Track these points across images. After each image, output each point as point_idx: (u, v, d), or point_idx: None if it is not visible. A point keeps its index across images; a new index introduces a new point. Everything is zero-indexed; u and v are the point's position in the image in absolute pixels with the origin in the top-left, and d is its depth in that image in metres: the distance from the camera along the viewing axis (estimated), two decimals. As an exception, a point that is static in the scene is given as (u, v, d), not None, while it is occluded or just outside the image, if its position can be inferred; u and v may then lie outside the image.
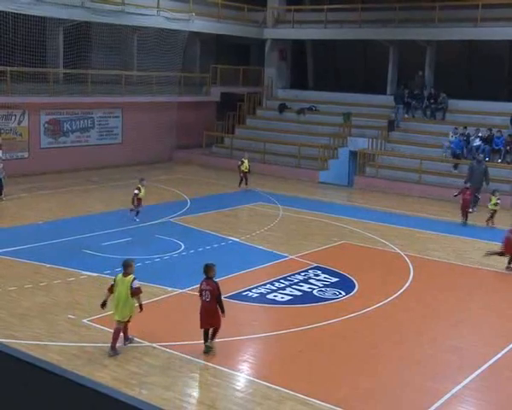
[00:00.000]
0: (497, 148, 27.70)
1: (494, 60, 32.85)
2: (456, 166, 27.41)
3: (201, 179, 29.09)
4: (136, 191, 20.61)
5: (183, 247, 17.80)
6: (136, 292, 11.02)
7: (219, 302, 11.13)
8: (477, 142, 28.06)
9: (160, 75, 32.27)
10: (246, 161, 26.54)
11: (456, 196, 22.65)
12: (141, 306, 11.21)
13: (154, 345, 11.42)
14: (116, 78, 31.24)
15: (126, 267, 11.17)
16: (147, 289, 14.24)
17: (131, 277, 11.07)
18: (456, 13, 31.38)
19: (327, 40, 36.07)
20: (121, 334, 11.24)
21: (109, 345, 11.01)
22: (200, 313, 11.16)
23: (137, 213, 20.56)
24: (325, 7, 35.12)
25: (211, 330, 11.26)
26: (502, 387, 10.59)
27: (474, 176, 24.00)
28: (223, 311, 11.15)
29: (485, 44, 31.65)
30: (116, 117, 31.85)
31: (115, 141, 31.88)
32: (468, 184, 22.93)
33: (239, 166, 26.59)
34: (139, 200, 20.63)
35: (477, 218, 23.22)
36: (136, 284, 11.04)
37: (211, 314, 11.11)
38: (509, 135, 27.68)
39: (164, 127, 33.33)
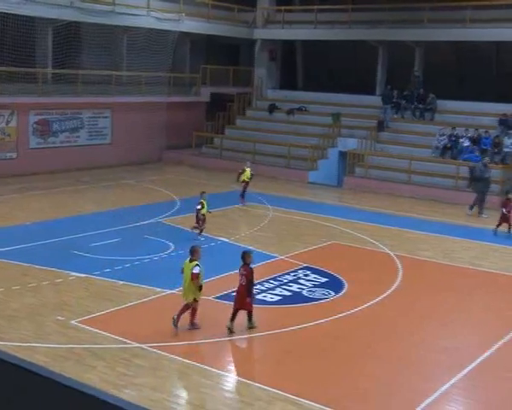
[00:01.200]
0: (484, 148, 27.83)
1: (483, 61, 32.99)
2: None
3: (191, 180, 29.04)
4: (198, 207, 18.79)
5: (172, 247, 17.77)
6: (193, 277, 11.75)
7: (248, 286, 12.02)
8: (466, 142, 28.22)
9: (149, 75, 32.20)
10: (248, 170, 24.07)
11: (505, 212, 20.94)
12: (200, 287, 11.95)
13: (143, 346, 11.38)
14: (105, 78, 31.15)
15: (192, 253, 12.04)
16: (136, 290, 14.25)
17: (195, 262, 11.85)
18: (445, 14, 31.52)
19: (317, 40, 36.12)
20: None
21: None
22: (236, 295, 12.18)
23: (201, 230, 18.79)
24: (315, 7, 35.18)
25: (245, 314, 12.12)
26: (490, 386, 10.65)
27: (482, 180, 24.04)
28: (249, 295, 12.07)
29: (474, 45, 31.78)
30: (105, 117, 31.75)
31: (105, 141, 31.79)
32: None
33: (239, 175, 24.23)
34: (203, 216, 18.80)
35: (470, 218, 23.33)
36: (197, 269, 11.77)
37: (243, 297, 11.99)
38: (496, 136, 27.85)
39: (154, 128, 33.27)
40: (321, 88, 35.82)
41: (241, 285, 12.06)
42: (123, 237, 18.71)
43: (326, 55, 38.76)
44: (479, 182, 24.22)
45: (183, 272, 12.11)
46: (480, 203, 23.84)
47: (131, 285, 14.57)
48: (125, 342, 11.48)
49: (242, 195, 24.05)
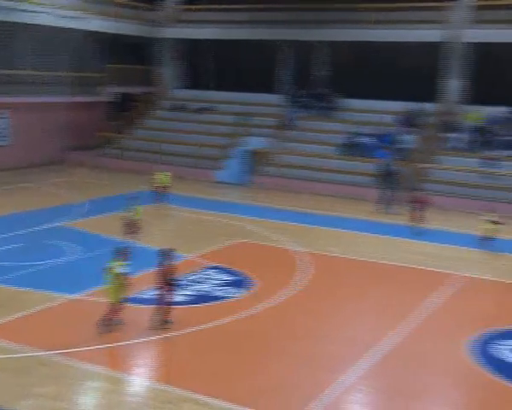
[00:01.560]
0: (387, 145, 28.68)
1: (386, 60, 33.91)
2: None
3: (95, 182, 28.40)
4: (128, 211, 18.74)
5: (77, 251, 17.28)
6: (119, 276, 11.81)
7: (166, 285, 12.23)
8: (367, 140, 29.08)
9: (52, 75, 31.21)
10: (162, 175, 24.02)
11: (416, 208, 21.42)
12: (125, 287, 11.99)
13: (47, 353, 10.97)
14: (4, 77, 29.91)
15: (117, 254, 12.06)
16: (39, 296, 13.73)
17: (119, 262, 11.88)
18: (348, 15, 32.30)
19: (226, 40, 36.13)
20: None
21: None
22: (157, 294, 12.47)
23: (131, 233, 18.47)
24: (222, 7, 35.28)
25: (158, 313, 12.33)
26: (390, 374, 10.94)
27: (391, 176, 24.73)
28: (167, 293, 12.26)
29: (378, 46, 32.61)
30: (4, 118, 30.48)
31: (3, 143, 30.53)
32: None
33: (152, 182, 24.17)
34: (133, 221, 18.63)
35: (379, 214, 23.94)
36: (121, 269, 11.84)
37: (162, 295, 12.25)
38: (397, 133, 28.82)
39: (56, 128, 32.29)
40: (230, 87, 35.88)
41: (159, 284, 12.22)
42: (25, 242, 18.02)
43: (235, 55, 38.85)
44: (387, 178, 24.95)
45: (107, 273, 11.94)
46: (388, 199, 24.54)
47: (34, 292, 14.04)
48: (28, 351, 11.03)
49: (158, 198, 23.62)
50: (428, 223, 21.37)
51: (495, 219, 19.48)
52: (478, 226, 19.98)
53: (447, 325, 13.29)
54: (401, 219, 22.39)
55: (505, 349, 12.04)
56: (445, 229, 22.06)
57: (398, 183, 25.09)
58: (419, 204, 21.47)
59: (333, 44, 33.48)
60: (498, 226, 19.44)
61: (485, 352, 11.90)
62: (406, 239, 20.43)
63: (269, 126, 31.81)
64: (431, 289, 15.49)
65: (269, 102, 33.65)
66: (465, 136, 28.63)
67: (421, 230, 20.98)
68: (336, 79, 33.27)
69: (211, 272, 16.10)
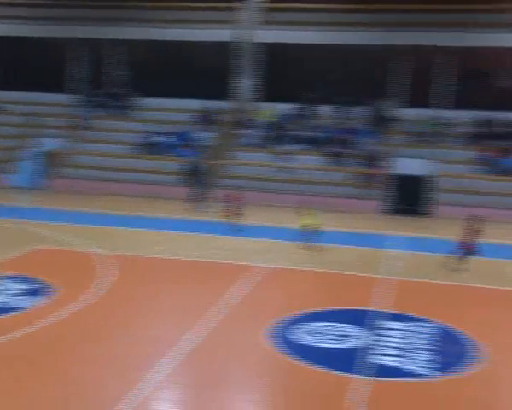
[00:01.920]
0: (181, 143, 29.12)
1: (184, 60, 34.27)
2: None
3: None
4: None
5: None
6: None
7: None
8: (163, 138, 29.31)
9: None
10: None
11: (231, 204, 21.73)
12: None
13: None
14: None
15: None
16: None
17: None
18: (142, 13, 32.20)
19: (13, 37, 34.22)
20: None
21: None
22: None
23: None
24: (4, 1, 33.45)
25: None
26: (197, 369, 11.09)
27: (198, 175, 25.01)
28: None
29: (176, 45, 32.84)
30: None
31: None
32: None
33: None
34: None
35: (186, 212, 24.10)
36: None
37: None
38: (194, 131, 29.41)
39: None
40: (19, 87, 34.10)
41: None
42: None
43: (24, 53, 36.97)
44: (195, 176, 25.27)
45: None
46: (197, 197, 24.88)
47: None
48: None
49: None
50: (241, 219, 21.93)
51: (313, 212, 19.53)
52: (287, 219, 20.83)
53: (248, 316, 13.73)
54: (210, 215, 22.77)
55: (302, 333, 12.74)
56: (252, 223, 22.79)
57: (205, 180, 25.56)
58: (233, 202, 21.91)
59: (129, 43, 33.18)
60: (317, 219, 19.35)
61: (284, 338, 12.48)
62: (214, 235, 20.89)
63: (62, 127, 30.74)
64: (234, 283, 15.93)
65: (61, 102, 32.54)
66: (259, 132, 29.87)
67: (235, 226, 21.50)
68: (134, 78, 33.04)
69: (6, 282, 15.18)
